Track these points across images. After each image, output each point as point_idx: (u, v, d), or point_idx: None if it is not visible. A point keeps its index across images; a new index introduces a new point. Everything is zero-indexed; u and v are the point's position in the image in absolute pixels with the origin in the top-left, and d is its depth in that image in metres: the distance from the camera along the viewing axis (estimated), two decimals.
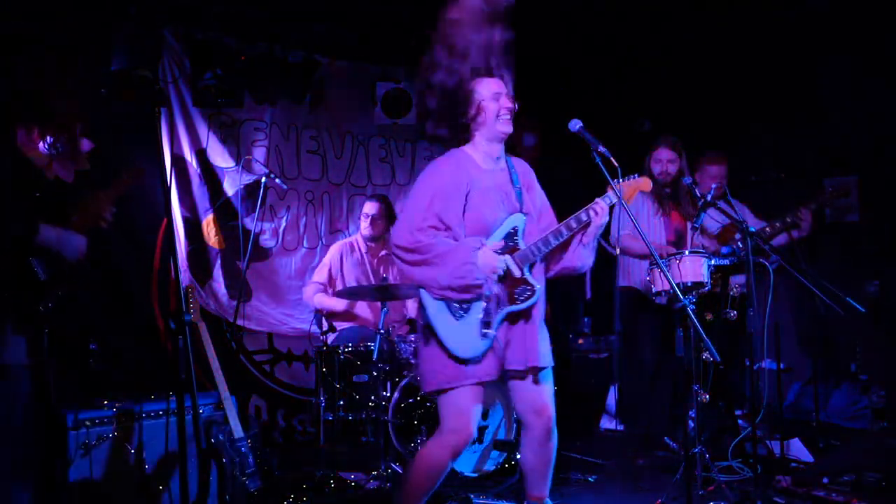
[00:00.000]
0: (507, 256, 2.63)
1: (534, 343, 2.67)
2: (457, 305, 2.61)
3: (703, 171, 4.46)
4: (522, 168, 2.86)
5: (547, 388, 2.79)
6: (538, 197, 2.88)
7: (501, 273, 2.62)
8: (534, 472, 2.85)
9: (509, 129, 2.75)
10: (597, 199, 2.76)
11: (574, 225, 2.69)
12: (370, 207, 4.79)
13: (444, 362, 2.62)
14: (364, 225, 4.73)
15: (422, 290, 2.67)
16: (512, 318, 2.67)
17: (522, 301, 2.64)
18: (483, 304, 2.59)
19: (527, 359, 2.66)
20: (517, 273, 2.63)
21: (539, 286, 2.67)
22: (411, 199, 2.70)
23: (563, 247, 2.76)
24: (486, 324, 2.59)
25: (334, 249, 4.85)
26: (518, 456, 2.93)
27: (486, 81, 2.75)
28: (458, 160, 2.73)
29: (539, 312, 2.72)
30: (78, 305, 2.31)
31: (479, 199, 2.67)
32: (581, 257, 2.79)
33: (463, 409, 2.62)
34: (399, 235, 2.64)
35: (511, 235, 2.69)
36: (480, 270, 2.57)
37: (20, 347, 1.98)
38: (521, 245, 2.69)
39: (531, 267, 2.69)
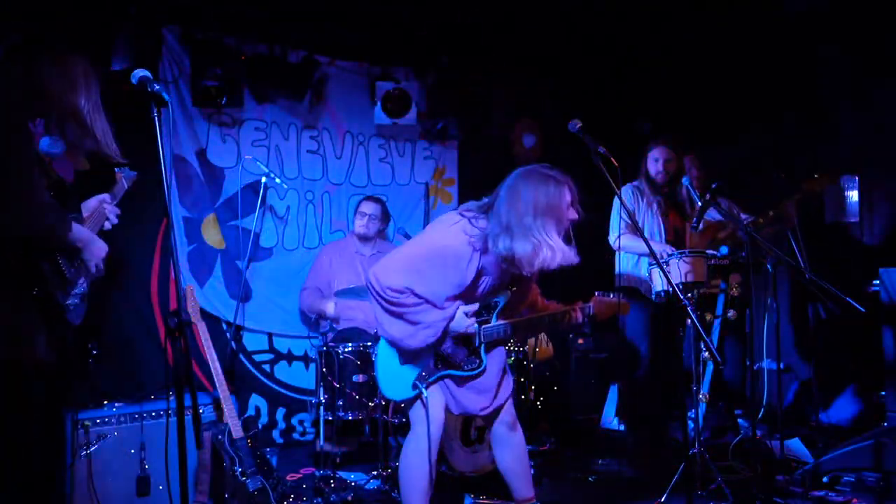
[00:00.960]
0: (477, 326, 2.72)
1: (490, 388, 2.81)
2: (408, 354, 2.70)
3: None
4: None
5: (507, 401, 2.89)
6: (525, 280, 2.89)
7: (471, 333, 2.71)
8: (514, 475, 2.91)
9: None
10: (577, 307, 2.91)
11: (547, 321, 2.86)
12: (369, 207, 4.83)
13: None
14: (360, 223, 4.79)
15: (379, 323, 2.70)
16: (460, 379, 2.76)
17: (467, 370, 2.74)
18: (429, 360, 2.70)
19: (489, 404, 2.81)
20: (476, 344, 2.73)
21: (485, 363, 2.75)
22: (414, 253, 2.66)
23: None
24: (421, 377, 2.68)
25: (323, 253, 4.93)
26: (497, 465, 2.99)
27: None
28: (466, 250, 2.63)
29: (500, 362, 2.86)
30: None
31: (466, 279, 2.67)
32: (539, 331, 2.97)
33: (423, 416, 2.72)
34: (390, 278, 2.59)
35: (490, 308, 2.76)
36: (447, 333, 2.67)
37: (43, 344, 1.99)
38: (493, 321, 2.76)
39: (489, 344, 2.78)
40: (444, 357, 2.70)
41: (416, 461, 2.75)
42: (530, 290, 2.97)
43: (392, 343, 2.70)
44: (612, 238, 4.24)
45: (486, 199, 2.69)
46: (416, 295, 2.59)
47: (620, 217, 4.13)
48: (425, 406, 2.66)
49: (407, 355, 2.71)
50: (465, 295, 2.71)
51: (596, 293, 3.01)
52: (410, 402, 2.76)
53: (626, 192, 4.25)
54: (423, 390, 2.64)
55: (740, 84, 5.30)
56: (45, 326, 2.02)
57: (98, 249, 2.29)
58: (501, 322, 2.76)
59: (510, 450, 2.90)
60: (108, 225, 2.50)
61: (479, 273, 2.68)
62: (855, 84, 4.79)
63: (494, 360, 2.82)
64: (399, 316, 2.61)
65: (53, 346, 2.05)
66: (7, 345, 1.91)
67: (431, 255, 2.62)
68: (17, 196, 1.92)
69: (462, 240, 2.61)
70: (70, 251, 2.18)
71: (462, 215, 2.68)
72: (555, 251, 2.52)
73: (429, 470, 2.72)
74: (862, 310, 3.52)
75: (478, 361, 2.72)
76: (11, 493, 1.92)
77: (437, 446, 2.76)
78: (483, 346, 2.75)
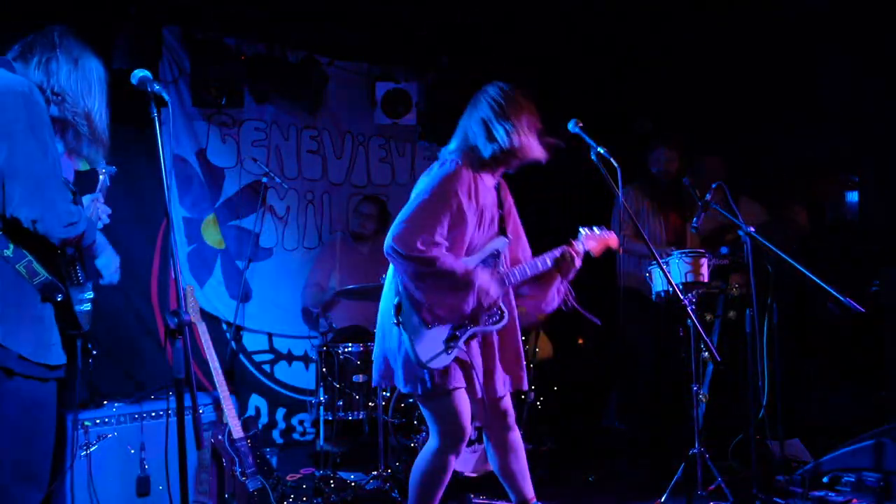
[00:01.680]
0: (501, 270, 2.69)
1: (518, 369, 2.76)
2: (430, 316, 2.60)
3: (703, 169, 4.50)
4: (506, 191, 2.87)
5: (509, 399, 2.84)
6: (514, 221, 2.90)
7: (495, 297, 2.64)
8: (514, 476, 2.84)
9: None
10: (572, 241, 2.84)
11: (549, 262, 2.76)
12: (366, 208, 4.86)
13: (413, 372, 2.60)
14: (358, 223, 4.85)
15: (403, 293, 2.61)
16: (488, 346, 2.69)
17: (492, 324, 2.67)
18: (456, 320, 2.62)
19: (513, 383, 2.75)
20: (506, 285, 2.69)
21: (507, 312, 2.70)
22: (423, 204, 2.59)
23: (538, 285, 2.83)
24: (452, 338, 2.60)
25: (325, 250, 5.00)
26: (495, 470, 2.92)
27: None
28: (463, 175, 2.65)
29: (517, 337, 2.79)
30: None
31: (472, 217, 2.64)
32: (554, 303, 2.87)
33: (452, 415, 2.63)
34: (408, 242, 2.52)
35: (493, 257, 2.71)
36: (475, 292, 2.58)
37: (60, 348, 2.01)
38: (501, 269, 2.72)
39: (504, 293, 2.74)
40: (470, 315, 2.64)
41: (435, 476, 2.71)
42: (522, 238, 2.93)
43: (429, 309, 2.57)
44: None
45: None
46: (440, 250, 2.55)
47: (621, 218, 4.14)
48: (463, 362, 2.60)
49: (436, 320, 2.60)
50: (463, 246, 2.66)
51: (581, 228, 2.95)
52: (437, 393, 2.64)
53: (628, 192, 4.25)
54: (461, 345, 2.58)
55: (740, 84, 5.30)
56: (61, 331, 2.03)
57: (113, 258, 2.30)
58: (509, 270, 2.73)
59: (511, 452, 2.83)
60: (100, 224, 2.50)
61: (481, 209, 2.67)
62: (855, 84, 4.79)
63: (510, 333, 2.79)
64: (434, 273, 2.54)
65: (66, 351, 2.05)
66: (35, 348, 1.91)
67: (438, 199, 2.58)
68: (53, 202, 1.90)
69: (451, 169, 2.63)
70: (84, 256, 2.18)
71: (438, 157, 2.72)
72: (529, 139, 2.64)
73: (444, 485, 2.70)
74: (861, 310, 3.51)
75: (500, 313, 2.68)
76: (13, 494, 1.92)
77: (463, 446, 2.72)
78: (502, 298, 2.70)
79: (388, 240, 2.55)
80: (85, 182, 2.40)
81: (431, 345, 2.58)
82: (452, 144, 2.74)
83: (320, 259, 4.98)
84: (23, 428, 1.91)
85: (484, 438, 2.92)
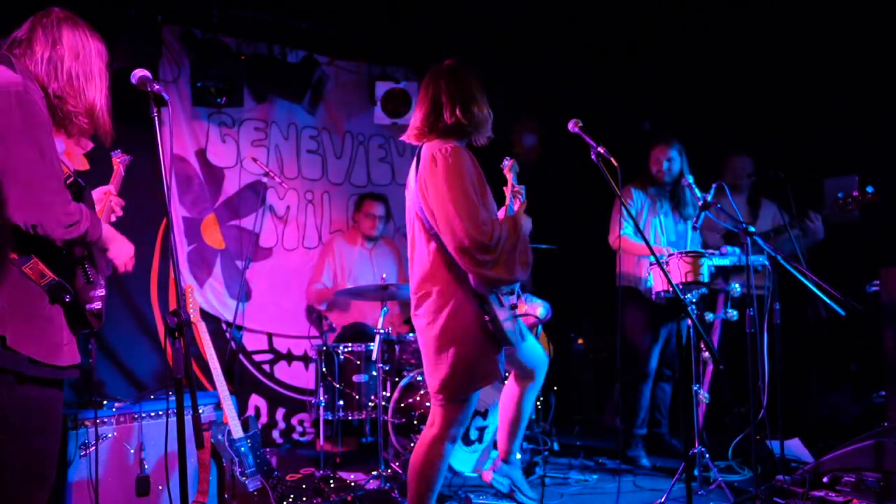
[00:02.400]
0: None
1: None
2: (503, 292, 2.65)
3: (727, 167, 4.62)
4: None
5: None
6: None
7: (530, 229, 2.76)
8: (517, 424, 3.09)
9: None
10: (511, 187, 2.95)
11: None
12: (377, 209, 4.84)
13: (492, 359, 2.61)
14: (370, 225, 4.81)
15: (479, 287, 2.58)
16: None
17: (513, 294, 2.77)
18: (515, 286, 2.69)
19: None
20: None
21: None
22: (457, 193, 2.54)
23: None
24: (513, 306, 2.67)
25: (330, 247, 4.94)
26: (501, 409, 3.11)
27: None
28: (467, 153, 2.68)
29: None
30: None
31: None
32: None
33: (473, 402, 2.69)
34: (472, 235, 2.49)
35: None
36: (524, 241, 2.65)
37: (73, 348, 1.99)
38: None
39: None
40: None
41: (439, 464, 2.74)
42: None
43: (498, 282, 2.58)
44: (612, 237, 4.24)
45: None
46: (495, 225, 2.56)
47: (621, 217, 4.14)
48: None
49: (501, 295, 2.65)
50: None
51: (505, 159, 3.06)
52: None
53: (627, 192, 4.25)
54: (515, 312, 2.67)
55: (740, 84, 5.30)
56: (74, 333, 2.02)
57: (125, 248, 2.23)
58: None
59: (528, 391, 3.06)
60: (113, 217, 2.47)
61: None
62: (855, 83, 4.79)
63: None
64: (500, 257, 2.54)
65: (81, 351, 2.04)
66: (45, 350, 1.90)
67: (467, 183, 2.57)
68: (51, 204, 1.86)
69: (460, 152, 2.62)
70: (93, 253, 2.15)
71: (433, 146, 2.69)
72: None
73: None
74: (842, 312, 3.52)
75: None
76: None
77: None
78: None
79: (454, 239, 2.51)
80: (94, 176, 2.39)
81: (506, 322, 2.61)
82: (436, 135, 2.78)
83: (326, 256, 4.95)
84: (32, 429, 1.90)
85: (509, 381, 3.09)
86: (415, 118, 2.77)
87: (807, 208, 4.13)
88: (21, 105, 1.85)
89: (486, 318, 2.57)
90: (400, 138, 2.91)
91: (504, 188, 3.00)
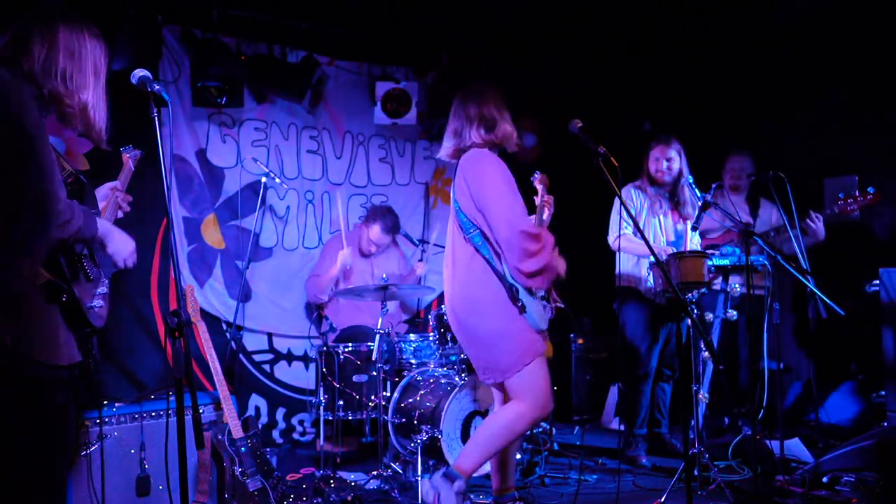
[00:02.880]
0: None
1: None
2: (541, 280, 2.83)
3: (725, 168, 4.68)
4: None
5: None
6: None
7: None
8: (498, 462, 3.06)
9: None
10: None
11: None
12: (382, 239, 4.76)
13: (532, 336, 2.83)
14: (371, 247, 4.76)
15: (509, 276, 2.81)
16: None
17: None
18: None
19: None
20: None
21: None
22: (502, 190, 2.81)
23: None
24: (545, 297, 2.87)
25: (333, 245, 4.88)
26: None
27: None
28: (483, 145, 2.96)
29: None
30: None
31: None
32: None
33: (546, 380, 2.85)
34: (522, 226, 2.75)
35: None
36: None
37: (72, 347, 1.97)
38: None
39: None
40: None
41: (511, 439, 2.89)
42: None
43: (539, 273, 2.79)
44: (611, 238, 4.23)
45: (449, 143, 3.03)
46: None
47: (621, 217, 4.14)
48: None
49: (544, 283, 2.86)
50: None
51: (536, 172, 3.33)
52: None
53: (627, 192, 4.25)
54: (549, 304, 2.89)
55: (740, 83, 5.30)
56: (74, 333, 2.00)
57: (125, 243, 2.21)
58: None
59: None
60: (120, 213, 2.46)
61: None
62: (855, 83, 4.79)
63: None
64: (543, 246, 2.78)
65: (81, 350, 2.03)
66: (45, 350, 1.89)
67: (511, 181, 2.85)
68: (42, 201, 1.83)
69: (498, 158, 2.92)
70: (94, 250, 2.14)
71: (473, 152, 2.93)
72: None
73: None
74: (842, 313, 3.54)
75: None
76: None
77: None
78: None
79: (514, 231, 2.73)
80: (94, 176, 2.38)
81: (539, 311, 2.87)
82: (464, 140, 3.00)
83: (329, 253, 4.88)
84: (37, 429, 1.89)
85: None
86: (446, 138, 3.03)
87: (808, 209, 4.13)
88: (16, 106, 1.84)
89: (518, 304, 2.82)
90: (436, 157, 3.19)
91: (534, 198, 3.28)
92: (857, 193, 4.05)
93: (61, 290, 1.91)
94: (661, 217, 4.22)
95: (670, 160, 4.16)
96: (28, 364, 1.84)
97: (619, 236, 4.10)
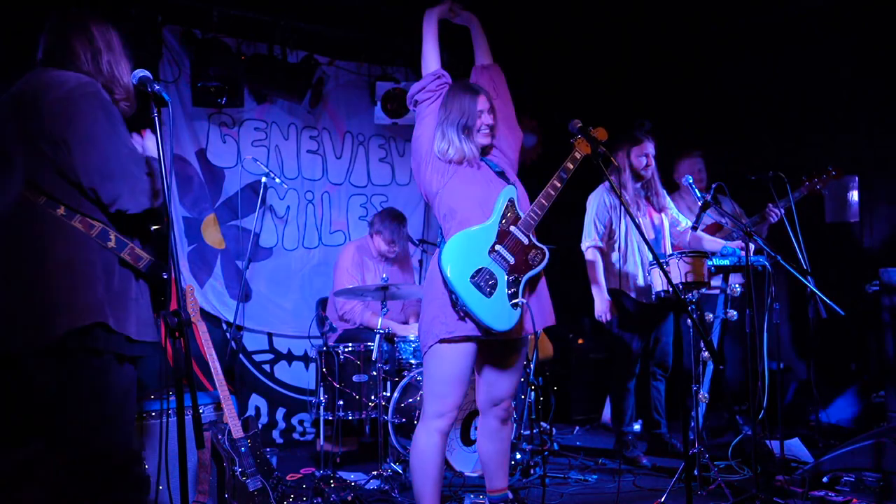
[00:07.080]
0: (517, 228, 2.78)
1: (548, 304, 2.88)
2: (484, 284, 2.66)
3: (678, 169, 4.72)
4: (495, 159, 2.99)
5: (514, 378, 2.91)
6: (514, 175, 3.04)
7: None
8: (494, 465, 2.95)
9: (488, 141, 2.93)
10: (571, 158, 2.94)
11: (559, 185, 2.84)
12: (390, 251, 4.56)
13: (443, 316, 2.67)
14: (383, 257, 4.60)
15: (445, 272, 2.61)
16: (530, 285, 2.80)
17: (537, 265, 2.77)
18: (508, 277, 2.70)
19: (544, 320, 2.84)
20: (526, 241, 2.75)
21: (546, 248, 2.81)
22: None
23: None
24: (513, 295, 2.69)
25: (350, 255, 4.59)
26: (479, 454, 3.03)
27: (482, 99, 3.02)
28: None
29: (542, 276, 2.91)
30: None
31: (471, 177, 2.81)
32: None
33: (447, 375, 2.70)
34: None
35: (510, 206, 2.80)
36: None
37: (154, 326, 2.13)
38: (521, 214, 2.80)
39: (533, 232, 2.81)
40: (517, 268, 2.76)
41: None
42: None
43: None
44: (584, 245, 4.20)
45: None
46: None
47: (596, 220, 4.14)
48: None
49: (483, 287, 2.68)
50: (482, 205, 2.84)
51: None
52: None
53: (600, 196, 4.20)
54: (523, 300, 2.69)
55: (739, 83, 5.30)
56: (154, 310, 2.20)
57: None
58: (527, 211, 2.89)
59: (498, 443, 2.94)
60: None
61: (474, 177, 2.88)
62: (855, 83, 4.79)
63: None
64: None
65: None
66: (139, 328, 2.12)
67: None
68: (136, 177, 2.04)
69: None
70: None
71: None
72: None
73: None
74: (842, 313, 3.55)
75: (539, 251, 2.81)
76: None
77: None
78: (531, 234, 2.86)
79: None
80: None
81: (498, 310, 2.69)
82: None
83: (347, 265, 4.57)
84: (121, 406, 2.10)
85: (481, 427, 3.01)
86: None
87: (767, 202, 4.27)
88: (88, 98, 2.01)
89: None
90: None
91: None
92: (821, 173, 4.34)
93: (162, 268, 2.08)
94: (641, 218, 4.19)
95: (650, 155, 4.16)
96: (126, 344, 2.09)
97: (593, 247, 4.13)
